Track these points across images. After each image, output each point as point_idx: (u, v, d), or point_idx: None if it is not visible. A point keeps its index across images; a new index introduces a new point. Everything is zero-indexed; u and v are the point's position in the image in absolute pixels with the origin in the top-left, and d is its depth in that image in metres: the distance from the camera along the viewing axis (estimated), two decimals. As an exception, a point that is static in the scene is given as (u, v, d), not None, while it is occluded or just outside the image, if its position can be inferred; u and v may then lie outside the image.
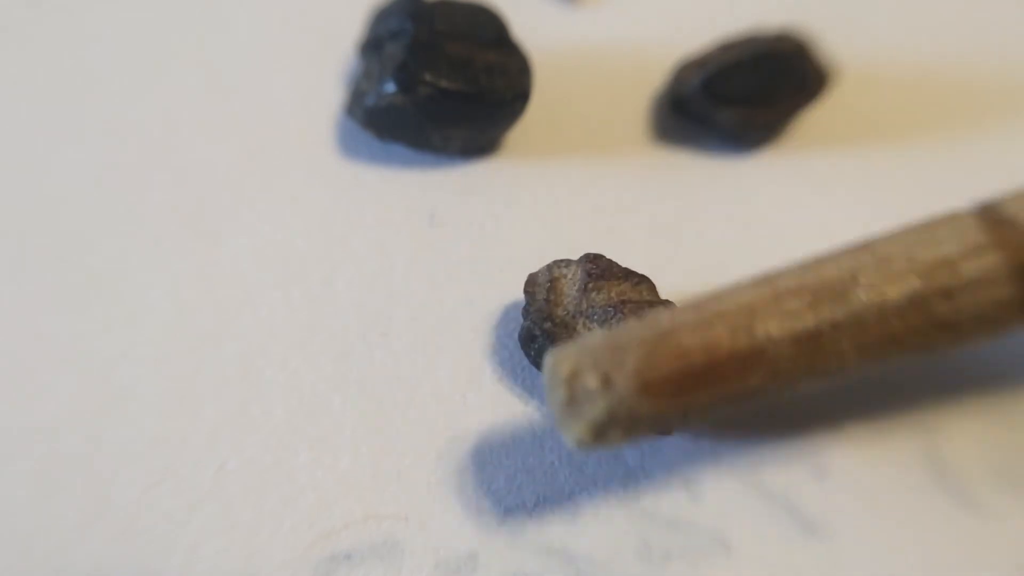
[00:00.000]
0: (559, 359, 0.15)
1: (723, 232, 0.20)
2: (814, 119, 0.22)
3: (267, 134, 0.21)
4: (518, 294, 0.18)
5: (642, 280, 0.17)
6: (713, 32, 0.22)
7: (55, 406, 0.17)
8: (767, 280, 0.15)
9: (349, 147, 0.21)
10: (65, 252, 0.19)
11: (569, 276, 0.17)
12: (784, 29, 0.21)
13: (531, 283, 0.18)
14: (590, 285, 0.17)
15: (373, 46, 0.21)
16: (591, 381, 0.14)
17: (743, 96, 0.20)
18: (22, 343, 0.18)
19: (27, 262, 0.19)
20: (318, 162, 0.21)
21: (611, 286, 0.17)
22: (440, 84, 0.19)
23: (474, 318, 0.18)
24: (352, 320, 0.18)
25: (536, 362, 0.17)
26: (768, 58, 0.20)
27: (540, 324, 0.17)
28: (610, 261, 0.18)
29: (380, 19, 0.21)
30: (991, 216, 0.15)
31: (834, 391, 0.17)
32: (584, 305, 0.17)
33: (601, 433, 0.14)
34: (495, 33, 0.20)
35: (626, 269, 0.17)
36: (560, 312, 0.17)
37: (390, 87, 0.19)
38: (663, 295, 0.18)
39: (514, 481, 0.16)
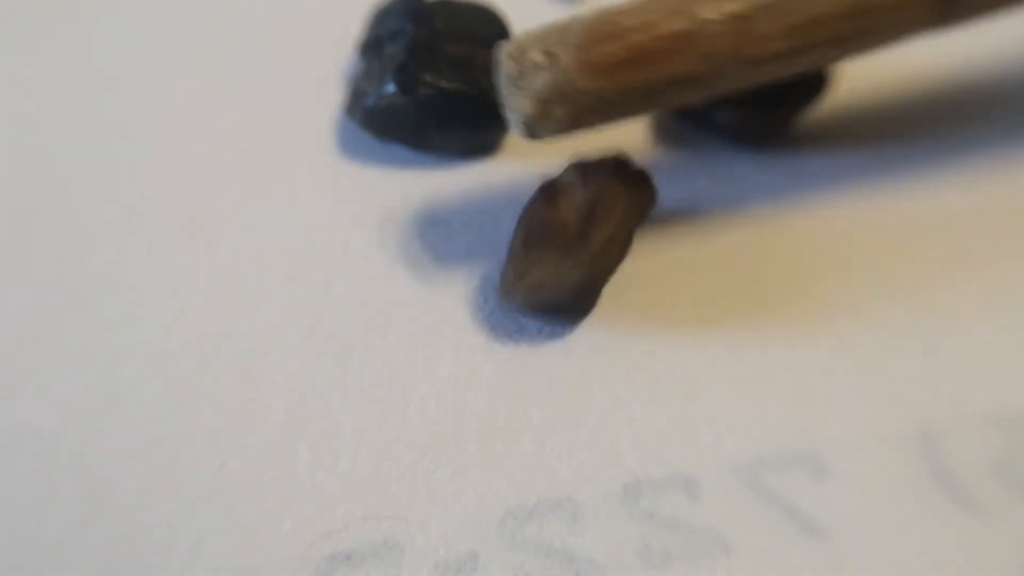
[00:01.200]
0: (508, 43, 0.16)
1: (723, 231, 0.20)
2: (814, 119, 0.22)
3: (267, 134, 0.21)
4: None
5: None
6: (713, 32, 0.22)
7: (55, 406, 0.17)
8: None
9: (349, 147, 0.21)
10: (65, 252, 0.19)
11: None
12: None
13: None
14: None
15: (373, 46, 0.21)
16: (536, 55, 0.15)
17: (743, 96, 0.20)
18: (22, 343, 0.18)
19: (27, 262, 0.19)
20: (318, 162, 0.21)
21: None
22: (440, 84, 0.19)
23: (474, 318, 0.18)
24: (352, 320, 0.18)
25: None
26: (768, 58, 0.20)
27: None
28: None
29: (380, 19, 0.21)
30: None
31: (834, 391, 0.17)
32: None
33: (546, 108, 0.15)
34: (495, 33, 0.20)
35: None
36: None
37: (390, 87, 0.19)
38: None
39: (514, 481, 0.16)
